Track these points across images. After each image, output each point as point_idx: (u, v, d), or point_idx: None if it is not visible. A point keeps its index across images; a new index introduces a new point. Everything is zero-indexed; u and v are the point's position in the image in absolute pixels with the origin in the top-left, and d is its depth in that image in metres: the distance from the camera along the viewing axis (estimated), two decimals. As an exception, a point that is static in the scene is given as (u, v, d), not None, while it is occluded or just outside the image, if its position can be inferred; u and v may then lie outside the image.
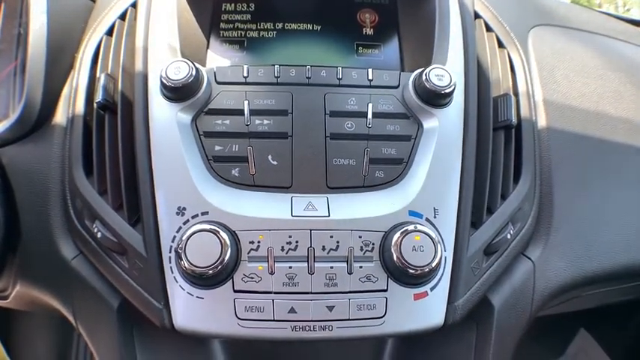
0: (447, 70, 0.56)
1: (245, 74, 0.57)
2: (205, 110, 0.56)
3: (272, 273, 0.52)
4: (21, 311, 0.86)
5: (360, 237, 0.53)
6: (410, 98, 0.58)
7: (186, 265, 0.50)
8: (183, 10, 0.63)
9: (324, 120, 0.57)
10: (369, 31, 0.67)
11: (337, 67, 0.59)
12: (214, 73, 0.57)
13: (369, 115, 0.57)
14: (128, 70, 0.60)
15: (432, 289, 0.55)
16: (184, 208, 0.53)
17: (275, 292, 0.53)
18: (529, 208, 0.64)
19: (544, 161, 0.66)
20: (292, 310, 0.53)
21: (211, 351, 0.67)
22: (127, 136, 0.57)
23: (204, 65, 0.62)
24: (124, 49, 0.62)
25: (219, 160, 0.55)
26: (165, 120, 0.55)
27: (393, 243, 0.52)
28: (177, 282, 0.53)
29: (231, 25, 0.66)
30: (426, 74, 0.56)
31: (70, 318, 0.64)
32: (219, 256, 0.50)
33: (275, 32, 0.66)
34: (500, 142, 0.62)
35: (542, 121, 0.68)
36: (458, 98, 0.59)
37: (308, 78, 0.58)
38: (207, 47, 0.64)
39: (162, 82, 0.54)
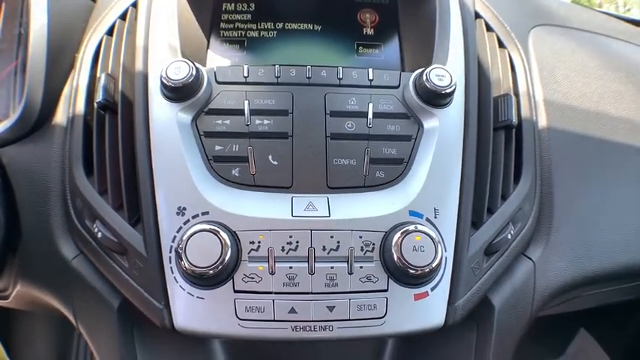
0: (448, 70, 0.56)
1: (245, 74, 0.57)
2: (205, 110, 0.56)
3: (272, 273, 0.52)
4: (21, 311, 0.86)
5: (361, 237, 0.53)
6: (410, 98, 0.58)
7: (186, 265, 0.50)
8: (184, 10, 0.63)
9: (325, 120, 0.57)
10: (370, 31, 0.67)
11: (338, 67, 0.59)
12: (214, 73, 0.57)
13: (370, 115, 0.57)
14: (128, 70, 0.60)
15: (432, 289, 0.55)
16: (185, 208, 0.53)
17: (275, 293, 0.53)
18: (529, 208, 0.64)
19: (544, 161, 0.66)
20: (293, 311, 0.53)
21: (212, 351, 0.67)
22: (128, 136, 0.57)
23: (204, 65, 0.62)
24: (125, 49, 0.62)
25: (219, 160, 0.55)
26: (166, 120, 0.55)
27: (393, 243, 0.52)
28: (177, 282, 0.53)
29: (231, 25, 0.66)
30: (426, 74, 0.56)
31: (71, 318, 0.64)
32: (220, 256, 0.50)
33: (275, 32, 0.66)
34: (500, 142, 0.62)
35: (542, 121, 0.68)
36: (458, 98, 0.59)
37: (308, 78, 0.58)
38: (208, 47, 0.64)
39: (162, 82, 0.54)
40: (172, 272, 0.53)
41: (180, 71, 0.54)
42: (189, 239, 0.50)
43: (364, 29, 0.67)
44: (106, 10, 0.67)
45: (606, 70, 0.77)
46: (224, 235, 0.51)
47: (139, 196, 0.55)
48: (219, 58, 0.64)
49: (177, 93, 0.54)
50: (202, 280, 0.51)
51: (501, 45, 0.71)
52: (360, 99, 0.57)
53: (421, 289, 0.54)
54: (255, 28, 0.66)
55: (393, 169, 0.56)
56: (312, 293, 0.53)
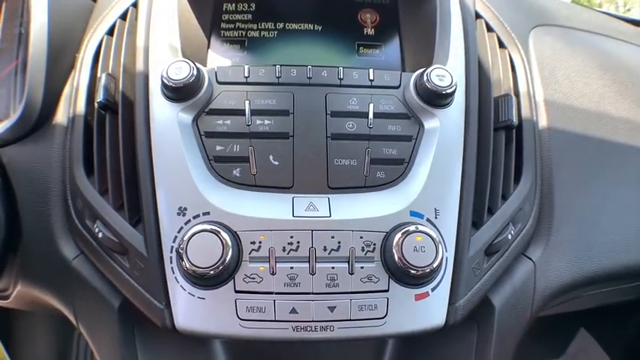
0: (448, 71, 0.56)
1: (246, 74, 0.57)
2: (206, 110, 0.56)
3: (273, 273, 0.52)
4: (21, 311, 0.86)
5: (362, 237, 0.53)
6: (411, 98, 0.58)
7: (187, 265, 0.50)
8: (184, 10, 0.63)
9: (326, 120, 0.57)
10: (370, 31, 0.67)
11: (338, 67, 0.59)
12: (215, 73, 0.57)
13: (370, 116, 0.57)
14: (129, 70, 0.60)
15: (433, 289, 0.55)
16: (185, 209, 0.53)
17: (276, 293, 0.53)
18: (530, 208, 0.64)
19: (545, 161, 0.66)
20: (293, 311, 0.53)
21: (212, 351, 0.67)
22: (128, 136, 0.57)
23: (205, 65, 0.62)
24: (125, 49, 0.62)
25: (220, 161, 0.55)
26: (166, 120, 0.55)
27: (394, 243, 0.52)
28: (178, 282, 0.53)
29: (232, 25, 0.65)
30: (427, 74, 0.56)
31: (71, 318, 0.64)
32: (221, 257, 0.50)
33: (276, 32, 0.66)
34: (501, 143, 0.62)
35: (543, 122, 0.68)
36: (459, 98, 0.59)
37: (309, 78, 0.58)
38: (208, 47, 0.64)
39: (163, 82, 0.54)
40: (173, 272, 0.53)
41: (181, 71, 0.54)
42: (190, 239, 0.50)
43: (365, 29, 0.67)
44: (107, 10, 0.67)
45: (607, 70, 0.77)
46: (225, 235, 0.51)
47: (140, 196, 0.55)
48: (220, 58, 0.64)
49: (178, 93, 0.54)
50: (203, 281, 0.51)
51: (502, 45, 0.71)
52: (360, 99, 0.57)
53: (422, 290, 0.54)
54: (255, 28, 0.66)
55: (393, 170, 0.56)
56: (312, 293, 0.53)
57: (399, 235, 0.52)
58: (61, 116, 0.62)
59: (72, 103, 0.62)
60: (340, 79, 0.58)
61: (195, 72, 0.54)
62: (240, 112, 0.56)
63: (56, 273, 0.61)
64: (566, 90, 0.72)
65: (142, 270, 0.55)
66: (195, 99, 0.55)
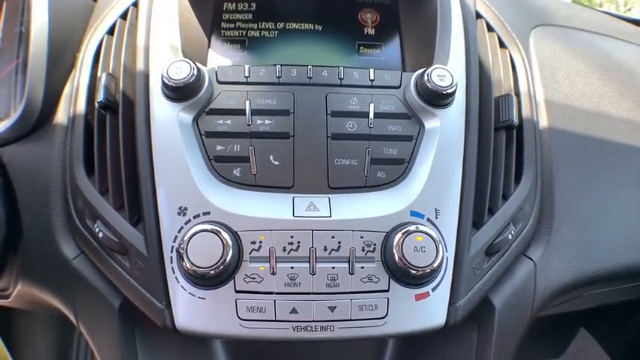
0: (449, 71, 0.56)
1: (246, 74, 0.57)
2: (207, 110, 0.56)
3: (274, 273, 0.52)
4: (22, 310, 0.86)
5: (362, 237, 0.53)
6: (411, 98, 0.58)
7: (187, 265, 0.50)
8: (185, 10, 0.63)
9: (326, 120, 0.57)
10: (371, 31, 0.67)
11: (339, 67, 0.59)
12: (216, 72, 0.57)
13: (371, 116, 0.57)
14: (129, 70, 0.60)
15: (433, 289, 0.55)
16: (186, 208, 0.53)
17: (277, 293, 0.53)
18: (530, 208, 0.64)
19: (545, 161, 0.66)
20: (294, 311, 0.53)
21: (213, 351, 0.67)
22: (129, 136, 0.57)
23: (205, 65, 0.62)
24: (126, 49, 0.62)
25: (220, 160, 0.55)
26: (167, 120, 0.55)
27: (394, 243, 0.52)
28: (178, 282, 0.53)
29: (232, 25, 0.65)
30: (427, 74, 0.56)
31: (71, 317, 0.64)
32: (221, 257, 0.50)
33: (276, 32, 0.66)
34: (501, 143, 0.62)
35: (543, 122, 0.68)
36: (459, 98, 0.59)
37: (309, 78, 0.58)
38: (209, 47, 0.64)
39: (163, 81, 0.54)
40: (173, 272, 0.53)
41: (181, 71, 0.54)
42: (190, 239, 0.50)
43: (365, 29, 0.67)
44: (107, 9, 0.67)
45: (607, 70, 0.77)
46: (225, 235, 0.51)
47: (140, 196, 0.55)
48: (221, 58, 0.64)
49: (178, 93, 0.54)
50: (203, 280, 0.51)
51: (502, 45, 0.71)
52: (361, 99, 0.57)
53: (422, 290, 0.54)
54: (256, 27, 0.65)
55: (394, 170, 0.56)
56: (313, 293, 0.53)
57: (399, 235, 0.52)
58: (61, 116, 0.62)
59: (72, 103, 0.62)
60: (341, 79, 0.58)
61: (195, 72, 0.54)
62: (241, 112, 0.56)
63: (56, 272, 0.61)
64: (567, 90, 0.72)
65: (142, 270, 0.55)
66: (195, 99, 0.55)
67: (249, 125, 0.56)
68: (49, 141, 0.61)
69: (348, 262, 0.53)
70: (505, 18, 0.74)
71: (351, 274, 0.53)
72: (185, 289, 0.53)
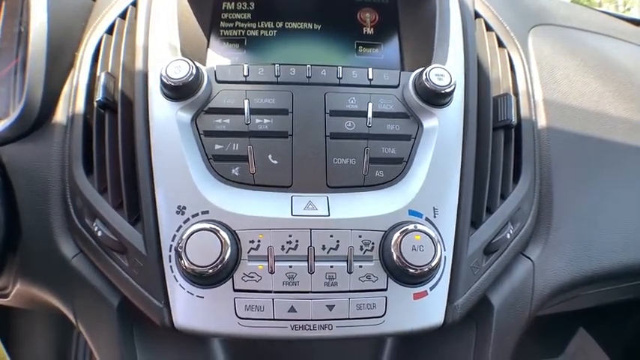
0: (447, 70, 0.56)
1: (245, 73, 0.57)
2: (205, 109, 0.56)
3: (272, 272, 0.52)
4: (21, 309, 0.86)
5: (360, 236, 0.53)
6: (410, 98, 0.58)
7: (186, 264, 0.50)
8: (184, 9, 0.63)
9: (325, 119, 0.57)
10: (369, 31, 0.67)
11: (337, 67, 0.59)
12: (214, 72, 0.57)
13: (369, 115, 0.57)
14: (128, 69, 0.60)
15: (431, 288, 0.55)
16: (184, 207, 0.53)
17: (275, 292, 0.53)
18: (528, 207, 0.64)
19: (544, 161, 0.66)
20: (292, 310, 0.53)
21: (211, 350, 0.67)
22: (127, 135, 0.57)
23: (204, 64, 0.62)
24: (125, 48, 0.62)
25: (219, 159, 0.55)
26: (166, 119, 0.55)
27: (392, 242, 0.52)
28: (177, 281, 0.53)
29: (231, 24, 0.65)
30: (426, 74, 0.56)
31: (70, 316, 0.64)
32: (220, 255, 0.50)
33: (275, 31, 0.66)
34: (500, 142, 0.62)
35: (542, 121, 0.68)
36: (458, 98, 0.59)
37: (308, 77, 0.58)
38: (208, 46, 0.64)
39: (162, 80, 0.54)
40: (172, 271, 0.53)
41: (180, 70, 0.54)
42: (189, 238, 0.50)
43: (364, 28, 0.67)
44: (106, 8, 0.67)
45: (606, 70, 0.77)
46: (224, 234, 0.51)
47: (139, 195, 0.55)
48: (219, 57, 0.64)
49: (177, 92, 0.54)
50: (202, 279, 0.51)
51: (501, 44, 0.71)
52: (359, 98, 0.58)
53: (420, 289, 0.54)
54: (255, 27, 0.66)
55: (392, 169, 0.56)
56: (311, 292, 0.53)
57: (397, 234, 0.52)
58: (60, 115, 0.62)
59: (71, 102, 0.62)
60: (339, 79, 0.58)
61: (194, 71, 0.54)
62: (240, 111, 0.56)
63: (55, 271, 0.61)
64: (565, 89, 0.72)
65: (141, 269, 0.55)
66: (194, 98, 0.55)
67: (247, 124, 0.56)
68: (48, 140, 0.61)
69: (347, 261, 0.53)
70: (504, 18, 0.74)
71: (350, 273, 0.53)
72: (184, 288, 0.53)
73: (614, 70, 0.78)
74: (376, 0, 0.68)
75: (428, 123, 0.57)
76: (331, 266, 0.53)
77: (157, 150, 0.55)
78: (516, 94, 0.68)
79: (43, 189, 0.60)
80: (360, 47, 0.66)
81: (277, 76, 0.58)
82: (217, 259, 0.50)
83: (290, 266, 0.53)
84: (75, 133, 0.60)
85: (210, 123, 0.56)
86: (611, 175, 0.71)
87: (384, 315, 0.54)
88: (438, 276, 0.55)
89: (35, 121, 0.61)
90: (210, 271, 0.50)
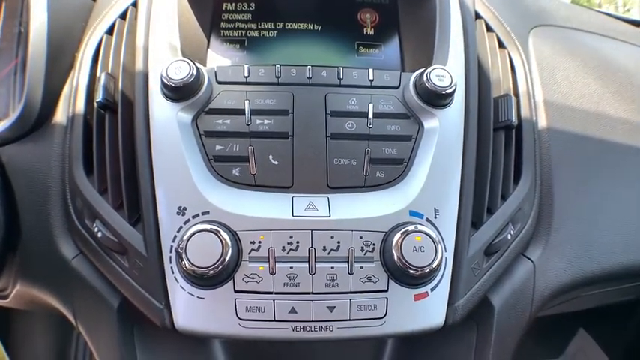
0: (448, 71, 0.56)
1: (246, 74, 0.57)
2: (206, 110, 0.56)
3: (273, 273, 0.52)
4: (21, 310, 0.86)
5: (361, 237, 0.53)
6: (411, 98, 0.58)
7: (186, 265, 0.50)
8: (184, 10, 0.63)
9: (325, 120, 0.57)
10: (370, 31, 0.67)
11: (338, 67, 0.59)
12: (215, 72, 0.57)
13: (370, 115, 0.57)
14: (129, 70, 0.60)
15: (432, 289, 0.55)
16: (185, 208, 0.53)
17: (276, 293, 0.53)
18: (529, 208, 0.64)
19: (544, 162, 0.66)
20: (293, 311, 0.53)
21: (212, 351, 0.67)
22: (128, 136, 0.57)
23: (204, 65, 0.62)
24: (125, 49, 0.62)
25: (219, 160, 0.55)
26: (166, 119, 0.55)
27: (393, 243, 0.52)
28: (177, 282, 0.53)
29: (231, 25, 0.65)
30: (426, 74, 0.56)
31: (70, 317, 0.64)
32: (220, 256, 0.50)
33: (276, 32, 0.66)
34: (500, 143, 0.62)
35: (542, 122, 0.68)
36: (458, 98, 0.59)
37: (309, 78, 0.58)
38: (208, 47, 0.64)
39: (162, 81, 0.54)
40: (173, 272, 0.53)
41: (180, 71, 0.54)
42: (189, 239, 0.50)
43: (364, 29, 0.67)
44: (106, 9, 0.67)
45: (606, 71, 0.77)
46: (224, 234, 0.51)
47: (139, 196, 0.55)
48: (220, 58, 0.64)
49: (177, 92, 0.54)
50: (203, 280, 0.51)
51: (501, 45, 0.71)
52: (360, 99, 0.57)
53: (421, 289, 0.54)
54: (255, 27, 0.66)
55: (393, 170, 0.56)
56: (312, 293, 0.53)
57: (398, 234, 0.52)
58: (60, 116, 0.62)
59: (71, 103, 0.62)
60: (340, 79, 0.58)
61: (194, 71, 0.54)
62: (240, 112, 0.56)
63: (55, 272, 0.61)
64: (566, 90, 0.72)
65: (141, 269, 0.55)
66: (194, 98, 0.55)
67: (248, 125, 0.56)
68: (48, 141, 0.61)
69: (347, 261, 0.53)
70: (504, 18, 0.74)
71: (350, 273, 0.53)
72: (184, 289, 0.53)
73: (614, 71, 0.78)
74: (376, 0, 0.68)
75: (429, 124, 0.57)
76: (332, 267, 0.53)
77: (158, 150, 0.55)
78: (517, 94, 0.68)
79: (43, 190, 0.60)
80: (361, 48, 0.66)
81: (278, 77, 0.58)
82: (218, 260, 0.50)
83: (291, 267, 0.53)
84: (75, 133, 0.60)
85: (211, 123, 0.56)
86: (611, 175, 0.71)
87: (384, 316, 0.54)
88: (438, 277, 0.55)
89: (35, 122, 0.61)
90: (211, 272, 0.50)
